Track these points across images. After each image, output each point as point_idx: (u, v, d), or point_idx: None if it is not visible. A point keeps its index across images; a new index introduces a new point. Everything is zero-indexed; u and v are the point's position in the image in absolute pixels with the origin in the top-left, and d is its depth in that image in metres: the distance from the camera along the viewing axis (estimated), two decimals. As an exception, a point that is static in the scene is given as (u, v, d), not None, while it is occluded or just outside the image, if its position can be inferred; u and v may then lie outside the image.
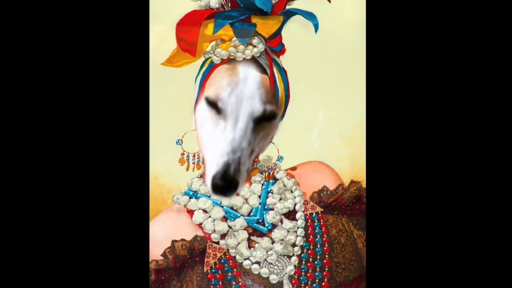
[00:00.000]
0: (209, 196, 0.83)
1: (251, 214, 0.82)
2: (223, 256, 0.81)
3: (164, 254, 0.80)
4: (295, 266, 0.81)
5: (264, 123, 0.78)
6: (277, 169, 0.84)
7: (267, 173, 0.83)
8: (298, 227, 0.82)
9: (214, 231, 0.81)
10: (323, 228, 0.83)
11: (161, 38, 0.81)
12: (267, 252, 0.81)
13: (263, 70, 0.78)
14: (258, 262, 0.80)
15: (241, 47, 0.78)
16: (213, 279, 0.80)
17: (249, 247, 0.81)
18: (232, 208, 0.82)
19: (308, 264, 0.81)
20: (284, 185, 0.84)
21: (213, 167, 0.75)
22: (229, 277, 0.80)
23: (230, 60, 0.79)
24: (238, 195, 0.82)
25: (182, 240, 0.80)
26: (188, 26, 0.76)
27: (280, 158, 0.84)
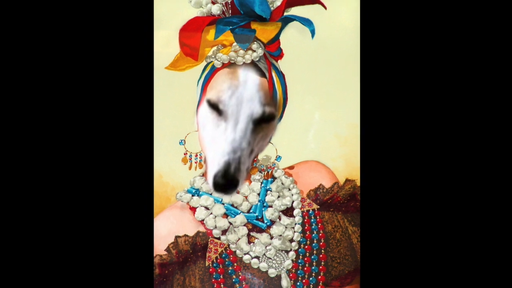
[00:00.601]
0: (211, 194, 0.83)
1: (251, 211, 0.83)
2: (224, 251, 0.81)
3: (168, 249, 0.81)
4: (292, 260, 0.81)
5: (263, 124, 0.78)
6: (275, 168, 0.85)
7: (266, 172, 0.84)
8: (295, 223, 0.83)
9: (216, 227, 0.82)
10: (319, 224, 0.84)
11: (165, 43, 0.81)
12: (266, 247, 0.81)
13: (262, 74, 0.79)
14: (257, 257, 0.81)
15: (241, 51, 0.78)
16: (214, 273, 0.80)
17: (249, 242, 0.82)
18: (232, 205, 0.83)
19: (305, 259, 0.82)
20: (282, 183, 0.85)
21: (214, 166, 0.76)
22: (229, 271, 0.81)
23: (230, 64, 0.79)
24: (238, 193, 0.83)
25: (185, 235, 0.81)
26: (191, 31, 0.77)
27: (278, 158, 0.84)
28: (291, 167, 0.86)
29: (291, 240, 0.82)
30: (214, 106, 0.78)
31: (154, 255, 0.80)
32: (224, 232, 0.82)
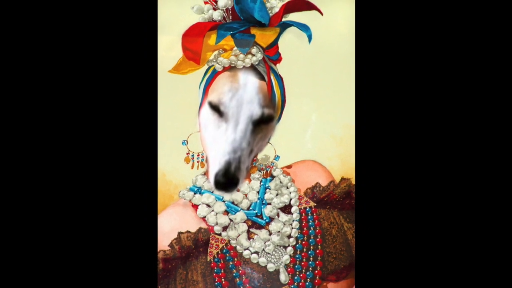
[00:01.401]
0: (212, 192, 0.84)
1: (251, 208, 0.84)
2: (224, 246, 0.82)
3: (171, 245, 0.81)
4: (290, 255, 0.82)
5: (262, 125, 0.79)
6: (274, 167, 0.85)
7: (265, 171, 0.84)
8: (293, 220, 0.83)
9: (217, 223, 0.82)
10: (316, 221, 0.84)
11: (168, 48, 0.81)
12: (265, 243, 0.82)
13: (261, 77, 0.79)
14: (256, 252, 0.82)
15: (241, 56, 0.79)
16: (215, 268, 0.81)
17: (249, 238, 0.82)
18: (233, 202, 0.84)
19: (302, 254, 0.82)
20: (280, 181, 0.85)
21: (215, 165, 0.77)
22: (230, 266, 0.81)
23: (231, 68, 0.80)
24: (238, 191, 0.84)
25: (188, 232, 0.82)
26: (193, 36, 0.77)
27: (277, 157, 0.85)
28: (289, 166, 0.87)
29: (289, 236, 0.83)
30: (216, 108, 0.78)
31: (158, 250, 0.81)
32: (225, 228, 0.82)
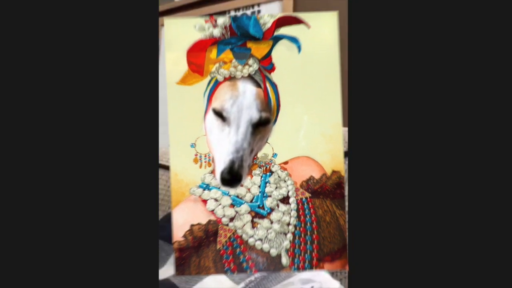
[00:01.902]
0: (219, 188, 0.88)
1: (253, 200, 0.87)
2: (232, 235, 0.86)
3: (184, 236, 0.85)
4: (290, 241, 0.86)
5: (261, 127, 0.83)
6: (272, 164, 0.88)
7: (264, 167, 0.88)
8: (291, 210, 0.87)
9: (224, 215, 0.86)
10: (312, 209, 0.87)
11: (175, 63, 0.86)
12: (267, 231, 0.86)
13: (258, 85, 0.84)
14: (260, 239, 0.86)
15: (240, 67, 0.83)
16: (225, 254, 0.85)
17: (253, 227, 0.87)
18: (238, 196, 0.87)
19: (301, 239, 0.86)
20: (278, 176, 0.88)
21: (221, 164, 0.81)
22: (237, 252, 0.85)
23: (231, 78, 0.84)
24: (242, 186, 0.88)
25: (199, 224, 0.85)
26: (197, 52, 0.82)
27: (274, 155, 0.88)
28: (286, 163, 0.89)
29: (288, 224, 0.87)
30: (219, 114, 0.83)
31: (173, 241, 0.85)
32: (231, 219, 0.86)
